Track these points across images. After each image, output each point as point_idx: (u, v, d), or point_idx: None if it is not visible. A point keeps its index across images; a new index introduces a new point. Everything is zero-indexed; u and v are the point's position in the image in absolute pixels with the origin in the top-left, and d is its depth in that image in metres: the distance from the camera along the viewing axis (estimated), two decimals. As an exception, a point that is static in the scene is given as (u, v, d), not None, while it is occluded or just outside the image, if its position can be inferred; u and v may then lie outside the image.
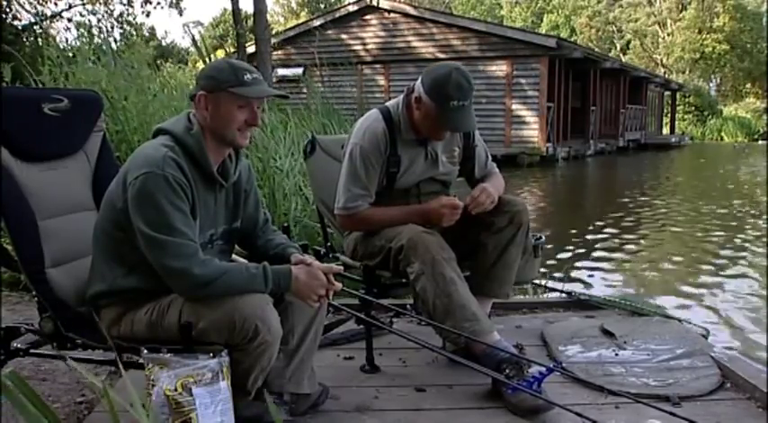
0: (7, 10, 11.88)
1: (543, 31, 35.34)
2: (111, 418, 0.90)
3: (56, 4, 13.48)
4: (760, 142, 31.34)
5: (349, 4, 18.96)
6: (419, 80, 2.43)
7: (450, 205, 2.41)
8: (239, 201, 1.97)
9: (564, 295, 3.50)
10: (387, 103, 2.59)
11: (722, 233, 7.64)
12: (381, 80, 18.25)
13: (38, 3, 13.14)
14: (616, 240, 7.29)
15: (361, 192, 2.47)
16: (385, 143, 2.47)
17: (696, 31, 40.65)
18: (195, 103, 1.80)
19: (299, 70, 16.36)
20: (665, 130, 32.83)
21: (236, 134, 1.81)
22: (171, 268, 1.67)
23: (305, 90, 12.09)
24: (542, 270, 3.91)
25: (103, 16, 14.24)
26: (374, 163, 2.46)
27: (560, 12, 47.93)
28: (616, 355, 2.60)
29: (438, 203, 2.44)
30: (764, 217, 8.62)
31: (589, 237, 7.38)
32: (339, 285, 1.87)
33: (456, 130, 2.51)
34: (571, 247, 6.64)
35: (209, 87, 1.78)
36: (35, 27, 12.00)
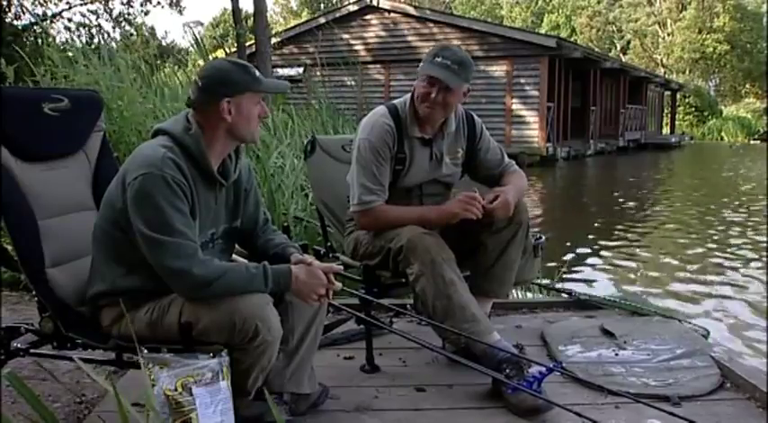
0: (7, 10, 11.87)
1: (543, 31, 35.32)
2: (120, 414, 0.91)
3: (56, 4, 13.48)
4: (751, 142, 31.53)
5: (349, 3, 18.97)
6: None
7: (469, 197, 2.35)
8: (239, 200, 1.97)
9: (564, 295, 3.49)
10: (394, 101, 2.59)
11: (723, 233, 7.65)
12: (382, 80, 18.26)
13: (38, 3, 13.14)
14: (616, 240, 7.30)
15: (375, 186, 2.44)
16: (392, 139, 2.46)
17: (696, 31, 40.65)
18: (220, 110, 1.77)
19: (299, 70, 16.37)
20: (665, 130, 32.84)
21: (254, 131, 1.85)
22: (171, 268, 1.67)
23: (305, 89, 12.11)
24: (542, 270, 3.90)
25: (101, 15, 14.21)
26: (384, 157, 2.45)
27: (560, 12, 47.93)
28: (616, 354, 2.60)
29: (456, 198, 2.41)
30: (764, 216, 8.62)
31: (589, 236, 7.38)
32: (339, 285, 1.87)
33: (433, 75, 2.37)
34: (571, 247, 6.64)
35: (230, 92, 1.77)
36: (35, 27, 11.99)
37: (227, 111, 1.78)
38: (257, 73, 1.82)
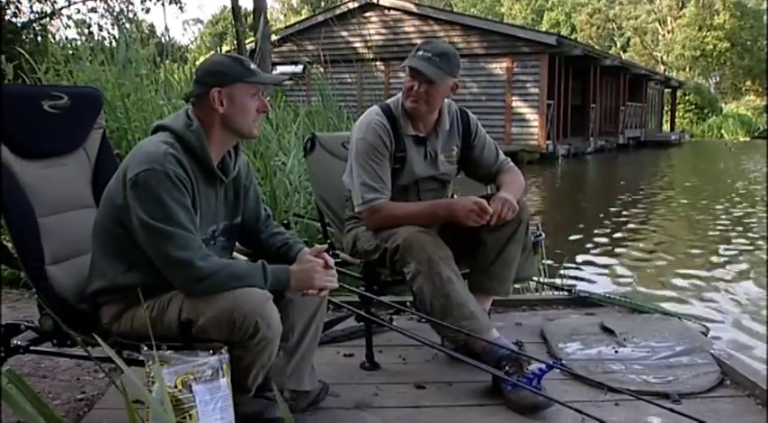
0: (6, 8, 11.87)
1: (543, 29, 35.29)
2: (128, 410, 0.91)
3: (54, 2, 13.47)
4: (741, 139, 31.67)
5: (349, 1, 18.94)
6: None
7: (480, 208, 2.32)
8: (239, 196, 1.97)
9: (564, 292, 3.50)
10: (387, 101, 2.59)
11: (722, 231, 7.64)
12: (382, 77, 18.24)
13: (36, 0, 13.13)
14: (616, 238, 7.29)
15: (377, 184, 2.43)
16: (388, 137, 2.46)
17: (696, 28, 40.64)
18: (210, 100, 1.78)
19: (299, 67, 16.35)
20: (666, 128, 32.82)
21: (251, 124, 1.84)
22: (174, 258, 1.67)
23: (304, 86, 12.10)
24: (542, 267, 3.90)
25: (101, 13, 14.21)
26: (382, 154, 2.44)
27: (560, 9, 47.94)
28: (616, 352, 2.60)
29: (469, 202, 2.35)
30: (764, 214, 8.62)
31: (589, 234, 7.37)
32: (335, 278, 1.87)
33: (413, 67, 2.39)
34: (571, 245, 6.64)
35: (221, 82, 1.79)
36: (34, 25, 12.00)
37: (219, 101, 1.79)
38: (252, 66, 1.83)
